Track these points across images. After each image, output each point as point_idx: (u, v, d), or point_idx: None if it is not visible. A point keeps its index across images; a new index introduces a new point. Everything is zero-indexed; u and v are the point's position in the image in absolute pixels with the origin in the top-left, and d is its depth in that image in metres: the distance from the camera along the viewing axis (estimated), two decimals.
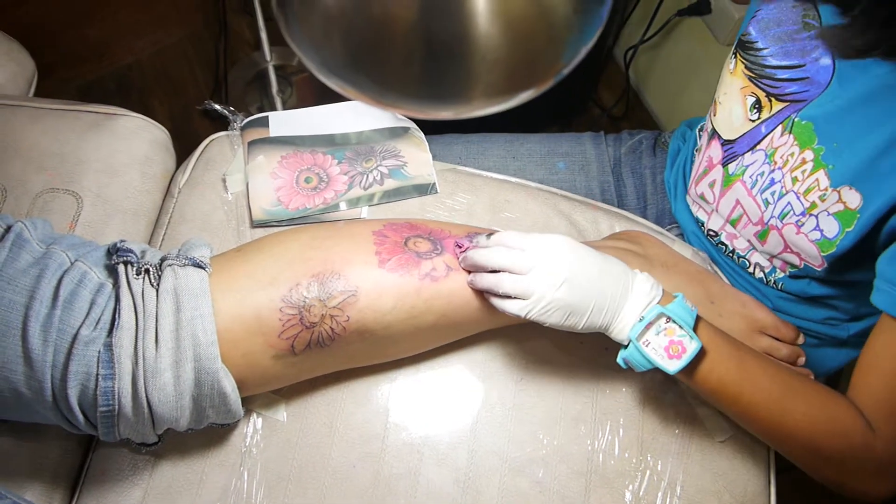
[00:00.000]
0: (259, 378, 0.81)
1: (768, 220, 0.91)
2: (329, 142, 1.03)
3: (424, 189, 1.01)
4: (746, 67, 0.92)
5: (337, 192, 0.98)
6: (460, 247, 0.84)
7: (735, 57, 0.94)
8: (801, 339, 0.89)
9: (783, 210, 0.88)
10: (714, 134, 0.99)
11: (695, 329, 0.77)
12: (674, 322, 0.75)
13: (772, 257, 0.95)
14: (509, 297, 0.77)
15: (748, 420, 0.80)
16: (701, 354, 0.77)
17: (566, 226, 1.00)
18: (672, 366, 0.76)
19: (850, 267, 0.85)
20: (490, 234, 0.83)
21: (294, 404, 0.88)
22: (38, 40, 1.45)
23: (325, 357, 0.82)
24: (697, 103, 1.71)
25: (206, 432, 0.85)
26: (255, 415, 0.88)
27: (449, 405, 0.89)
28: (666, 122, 1.87)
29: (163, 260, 0.78)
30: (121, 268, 0.77)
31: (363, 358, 0.86)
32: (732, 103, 0.95)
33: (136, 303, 0.75)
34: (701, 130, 1.11)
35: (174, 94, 1.93)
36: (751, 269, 1.01)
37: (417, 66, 0.46)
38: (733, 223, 0.98)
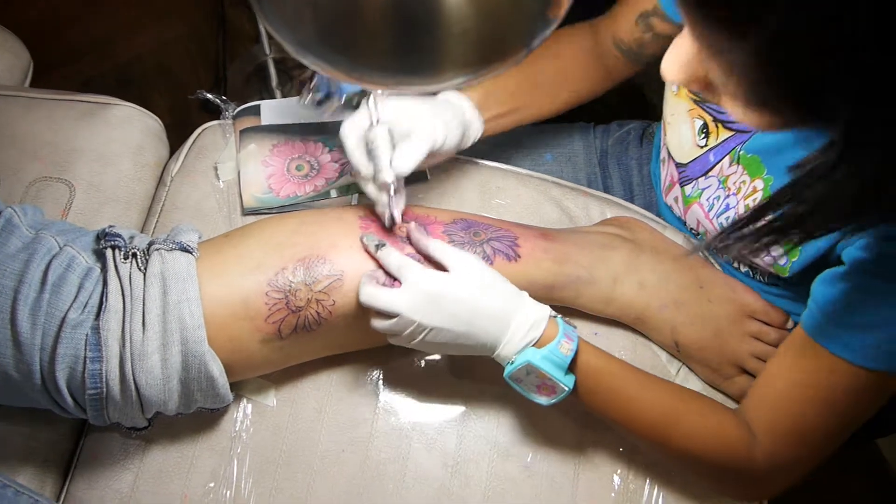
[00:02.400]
0: (247, 362, 0.81)
1: None
2: (320, 130, 1.03)
3: (417, 176, 1.01)
4: (691, 91, 0.91)
5: (328, 180, 0.99)
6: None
7: None
8: (790, 324, 0.89)
9: None
10: (669, 154, 0.99)
11: (575, 357, 0.76)
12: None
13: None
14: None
15: (636, 438, 0.81)
16: (581, 381, 0.77)
17: (557, 212, 1.00)
18: (544, 401, 0.77)
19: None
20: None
21: (284, 390, 0.89)
22: (40, 37, 1.46)
23: (313, 341, 0.82)
24: None
25: (197, 417, 0.85)
26: (244, 400, 0.88)
27: (439, 390, 0.89)
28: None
29: (150, 244, 0.79)
30: (108, 252, 0.77)
31: (351, 343, 0.86)
32: (680, 125, 0.94)
33: (124, 286, 0.75)
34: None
35: (174, 89, 1.94)
36: (735, 265, 1.00)
37: (387, 38, 0.46)
38: (702, 236, 0.97)
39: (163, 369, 0.75)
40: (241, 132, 1.02)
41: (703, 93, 0.56)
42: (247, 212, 0.97)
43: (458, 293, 0.74)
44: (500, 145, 1.16)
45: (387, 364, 0.90)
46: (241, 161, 0.99)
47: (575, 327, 0.78)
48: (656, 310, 0.89)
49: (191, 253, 0.78)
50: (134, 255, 0.77)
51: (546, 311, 0.77)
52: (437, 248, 0.78)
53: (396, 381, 0.90)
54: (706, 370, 0.90)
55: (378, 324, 0.75)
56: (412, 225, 0.82)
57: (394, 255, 0.77)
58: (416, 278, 0.74)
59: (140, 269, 0.77)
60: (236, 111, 1.05)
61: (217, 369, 0.78)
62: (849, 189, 0.49)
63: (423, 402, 0.89)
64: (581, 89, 1.02)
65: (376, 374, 0.90)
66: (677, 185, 0.98)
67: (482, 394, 0.89)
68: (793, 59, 0.43)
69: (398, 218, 0.82)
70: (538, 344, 0.75)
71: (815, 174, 0.51)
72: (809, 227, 0.55)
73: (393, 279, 0.78)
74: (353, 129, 0.82)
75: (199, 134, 1.05)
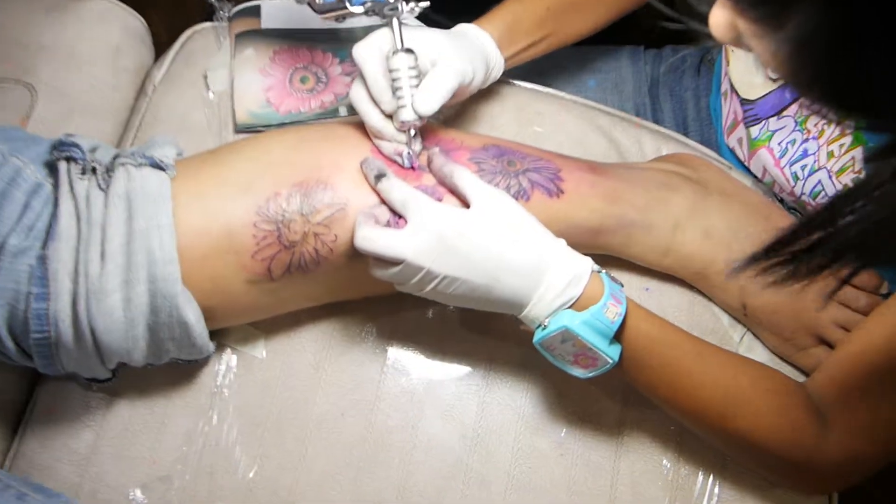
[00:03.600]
0: (230, 307, 0.68)
1: (800, 196, 0.77)
2: (332, 37, 0.88)
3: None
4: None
5: (337, 96, 0.84)
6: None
7: None
8: (884, 288, 0.74)
9: (814, 188, 0.75)
10: (732, 88, 0.84)
11: (623, 323, 0.62)
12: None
13: None
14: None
15: (687, 420, 0.68)
16: (628, 353, 0.64)
17: (605, 144, 0.85)
18: (580, 373, 0.64)
19: None
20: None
21: (275, 340, 0.75)
22: None
23: (310, 285, 0.68)
24: None
25: (171, 368, 0.72)
26: (228, 350, 0.75)
27: (458, 348, 0.76)
28: None
29: (115, 158, 0.64)
30: (62, 165, 0.63)
31: (356, 288, 0.72)
32: (747, 54, 0.80)
33: (80, 208, 0.62)
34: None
35: (172, 9, 1.77)
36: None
37: None
38: (769, 185, 0.83)
39: (125, 311, 0.62)
40: (238, 36, 0.87)
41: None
42: (240, 128, 0.82)
43: (479, 236, 0.61)
44: (534, 67, 1.01)
45: (398, 315, 0.76)
46: (235, 69, 0.84)
47: (622, 285, 0.64)
48: (723, 265, 0.74)
49: (164, 170, 0.64)
50: (94, 169, 0.63)
51: (588, 264, 0.63)
52: (461, 175, 0.64)
53: (408, 336, 0.76)
54: (776, 339, 0.76)
55: (379, 272, 0.62)
56: (435, 149, 0.68)
57: (398, 187, 0.63)
58: (424, 215, 0.60)
59: (101, 188, 0.63)
60: (233, 11, 0.90)
61: (193, 314, 0.64)
62: None
63: (440, 362, 0.75)
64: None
65: (386, 325, 0.76)
66: (742, 125, 0.84)
67: (509, 355, 0.75)
68: (832, 49, 0.38)
69: (416, 158, 0.69)
70: (577, 305, 0.61)
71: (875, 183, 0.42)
72: (872, 257, 0.46)
73: (398, 217, 0.63)
74: (372, 52, 0.67)
75: (189, 37, 0.90)
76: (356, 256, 0.65)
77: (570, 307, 0.61)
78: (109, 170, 0.64)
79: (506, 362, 0.75)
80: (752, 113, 0.82)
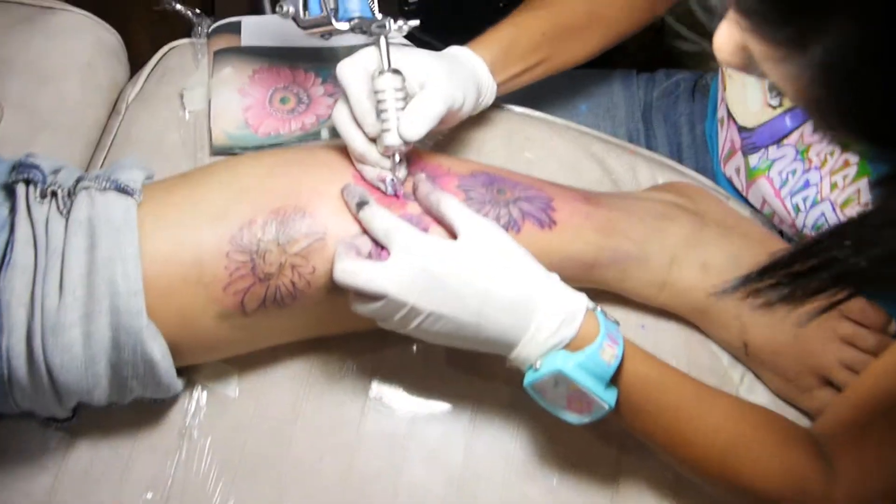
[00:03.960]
0: (199, 343, 0.63)
1: (801, 229, 0.74)
2: (313, 56, 0.84)
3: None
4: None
5: (319, 117, 0.80)
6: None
7: None
8: (892, 327, 0.70)
9: (816, 221, 0.72)
10: (729, 113, 0.81)
11: (620, 365, 0.58)
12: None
13: None
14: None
15: (685, 468, 0.64)
16: (625, 397, 0.60)
17: (598, 172, 0.81)
18: (574, 419, 0.59)
19: None
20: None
21: (249, 377, 0.70)
22: None
23: (286, 320, 0.64)
24: None
25: (136, 406, 0.67)
26: (199, 387, 0.70)
27: (443, 388, 0.71)
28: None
29: (78, 181, 0.60)
30: (20, 188, 0.59)
31: (336, 324, 0.68)
32: (745, 78, 0.78)
33: (37, 235, 0.57)
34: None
35: (157, 26, 1.72)
36: None
37: None
38: (768, 217, 0.80)
39: (85, 348, 0.57)
40: (216, 53, 0.83)
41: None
42: (216, 150, 0.78)
43: (466, 270, 0.56)
44: (523, 90, 0.97)
45: (381, 351, 0.72)
46: (213, 88, 0.81)
47: (618, 324, 0.60)
48: (722, 300, 0.70)
49: (131, 195, 0.60)
50: (54, 193, 0.59)
51: (583, 301, 0.59)
52: (448, 204, 0.60)
53: (392, 374, 0.71)
54: (779, 379, 0.72)
55: (360, 307, 0.57)
56: (421, 175, 0.64)
57: (380, 216, 0.59)
58: (408, 247, 0.56)
59: (61, 213, 0.58)
60: (212, 27, 0.86)
61: (159, 350, 0.59)
62: None
63: (424, 402, 0.71)
64: (621, 21, 0.82)
65: (367, 363, 0.71)
66: (739, 154, 0.80)
67: (497, 395, 0.71)
68: (864, 73, 0.34)
69: (401, 185, 0.64)
70: (571, 346, 0.57)
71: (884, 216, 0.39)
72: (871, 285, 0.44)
73: (380, 248, 0.59)
74: (356, 71, 0.62)
75: (165, 53, 0.86)
76: (336, 290, 0.61)
77: (563, 348, 0.57)
78: (71, 194, 0.59)
79: (494, 403, 0.70)
80: (751, 141, 0.78)
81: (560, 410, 0.60)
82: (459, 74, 0.68)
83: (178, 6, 0.84)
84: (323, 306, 0.63)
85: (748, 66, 0.39)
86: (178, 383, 0.64)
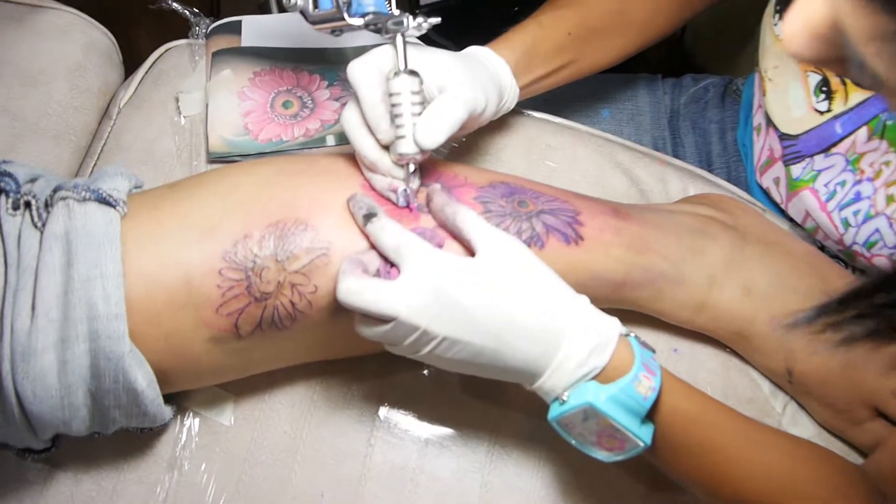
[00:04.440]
0: (189, 369, 0.57)
1: (850, 245, 0.68)
2: (319, 58, 0.79)
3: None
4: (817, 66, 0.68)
5: (324, 123, 0.74)
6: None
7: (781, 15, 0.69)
8: None
9: (869, 237, 0.66)
10: (769, 120, 0.75)
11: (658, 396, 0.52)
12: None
13: None
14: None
15: None
16: (662, 434, 0.53)
17: (625, 183, 0.75)
18: (603, 456, 0.53)
19: None
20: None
21: (246, 403, 0.65)
22: None
23: (285, 344, 0.58)
24: None
25: (122, 435, 0.61)
26: (190, 414, 0.64)
27: (458, 418, 0.65)
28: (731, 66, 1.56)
29: (56, 191, 0.54)
30: None
31: (340, 347, 0.62)
32: (789, 82, 0.71)
33: (8, 250, 0.52)
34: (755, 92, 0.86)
35: (161, 27, 1.67)
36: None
37: None
38: (809, 232, 0.73)
39: (60, 376, 0.52)
40: (215, 54, 0.78)
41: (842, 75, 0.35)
42: (213, 157, 0.73)
43: (485, 290, 0.51)
44: (542, 94, 0.92)
45: (389, 377, 0.66)
46: (210, 91, 0.75)
47: (654, 351, 0.54)
48: (765, 324, 0.64)
49: (113, 207, 0.54)
50: (28, 204, 0.53)
51: (615, 326, 0.53)
52: (465, 217, 0.54)
53: (400, 401, 0.65)
54: (828, 411, 0.65)
55: (366, 330, 0.51)
56: (436, 186, 0.58)
57: (390, 230, 0.53)
58: (421, 264, 0.50)
59: (36, 226, 0.53)
60: (211, 27, 0.80)
61: (143, 379, 0.54)
62: None
63: (436, 432, 0.65)
64: (651, 23, 0.77)
65: (374, 389, 0.65)
66: (779, 163, 0.74)
67: (517, 426, 0.65)
68: None
69: (414, 197, 0.58)
70: (602, 376, 0.51)
71: None
72: None
73: (390, 265, 0.53)
74: (369, 71, 0.57)
75: (161, 55, 0.80)
76: (341, 311, 0.55)
77: (593, 379, 0.51)
78: (48, 205, 0.54)
79: (513, 435, 0.64)
80: (794, 150, 0.72)
81: (589, 447, 0.53)
82: (481, 76, 0.63)
83: (175, 4, 0.79)
84: (326, 328, 0.57)
85: (828, 55, 0.33)
86: (167, 412, 0.58)
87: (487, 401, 0.66)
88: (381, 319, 0.50)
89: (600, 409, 0.50)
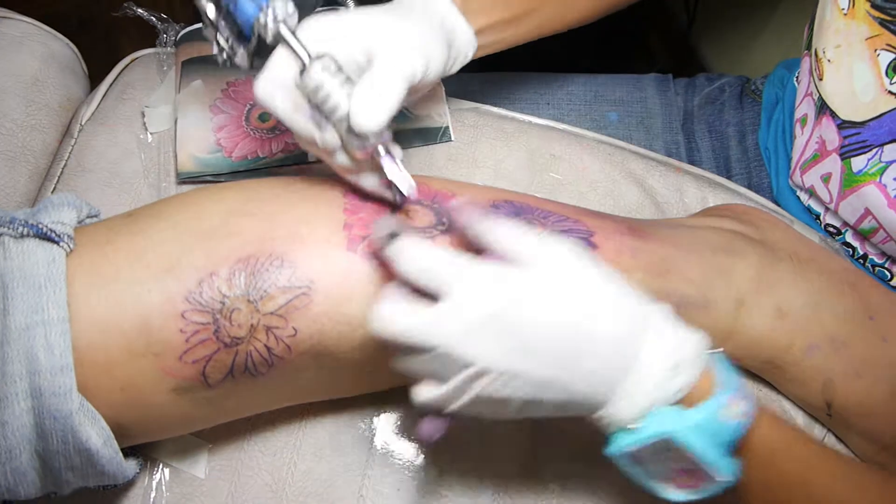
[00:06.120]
0: (154, 422, 0.50)
1: None
2: None
3: (433, 135, 0.69)
4: (874, 6, 0.61)
5: None
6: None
7: None
8: None
9: None
10: (824, 107, 0.68)
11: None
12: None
13: None
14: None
15: None
16: (752, 469, 0.46)
17: (639, 194, 0.69)
18: (674, 495, 0.46)
19: None
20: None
21: (221, 453, 0.58)
22: None
23: (261, 391, 0.51)
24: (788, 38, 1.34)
25: (85, 491, 0.54)
26: (160, 466, 0.57)
27: (458, 467, 0.58)
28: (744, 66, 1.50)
29: None
30: None
31: (321, 391, 0.55)
32: (853, 63, 0.64)
33: None
34: (798, 80, 0.79)
35: (147, 33, 1.61)
36: (895, 282, 0.69)
37: None
38: (864, 233, 0.66)
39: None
40: (185, 64, 0.71)
41: None
42: (182, 178, 0.66)
43: (547, 310, 0.43)
44: (542, 97, 0.84)
45: (381, 416, 0.59)
46: (179, 105, 0.68)
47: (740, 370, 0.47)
48: (802, 351, 0.58)
49: (56, 243, 0.47)
50: None
51: (699, 339, 0.46)
52: (508, 232, 0.46)
53: (396, 444, 0.59)
54: (872, 446, 0.59)
55: (404, 365, 0.44)
56: (454, 203, 0.50)
57: (419, 249, 0.45)
58: (465, 282, 0.43)
59: None
60: (181, 33, 0.74)
61: (98, 437, 0.47)
62: None
63: (434, 478, 0.58)
64: None
65: (365, 431, 0.59)
66: (834, 156, 0.68)
67: (526, 468, 0.58)
68: None
69: (410, 187, 0.50)
70: (685, 400, 0.44)
71: None
72: None
73: (421, 294, 0.45)
74: (274, 89, 0.49)
75: (127, 65, 0.74)
76: (326, 355, 0.48)
77: (674, 403, 0.44)
78: None
79: (523, 477, 0.58)
80: (860, 139, 0.65)
81: (658, 484, 0.46)
82: (418, 29, 0.53)
83: (140, 10, 0.72)
84: (307, 374, 0.50)
85: None
86: (129, 468, 0.51)
87: (493, 446, 0.59)
88: (418, 350, 0.43)
89: (682, 440, 0.43)
